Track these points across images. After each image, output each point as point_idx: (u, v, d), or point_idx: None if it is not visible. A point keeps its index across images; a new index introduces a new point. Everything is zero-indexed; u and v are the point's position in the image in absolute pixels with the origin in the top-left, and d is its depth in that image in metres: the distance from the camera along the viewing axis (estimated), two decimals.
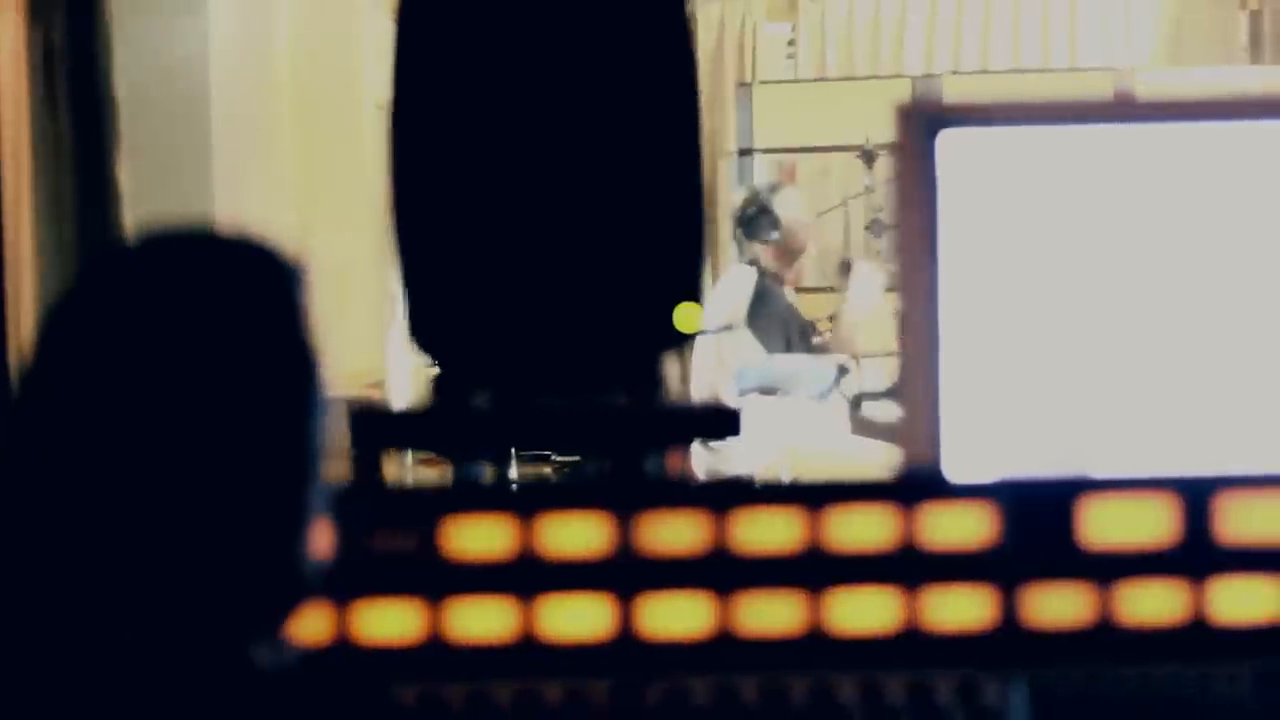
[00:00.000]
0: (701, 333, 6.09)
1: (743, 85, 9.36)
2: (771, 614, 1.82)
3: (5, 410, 1.32)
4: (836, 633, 1.82)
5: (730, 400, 5.82)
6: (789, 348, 6.19)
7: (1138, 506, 1.82)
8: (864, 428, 5.85)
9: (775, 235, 6.31)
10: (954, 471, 1.95)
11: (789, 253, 6.41)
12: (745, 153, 8.94)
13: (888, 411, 5.43)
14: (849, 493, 1.83)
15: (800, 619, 1.82)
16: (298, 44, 7.37)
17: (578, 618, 1.82)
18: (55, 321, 1.32)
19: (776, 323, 6.20)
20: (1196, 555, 1.82)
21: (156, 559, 1.28)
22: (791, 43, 9.94)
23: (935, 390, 1.96)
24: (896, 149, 1.97)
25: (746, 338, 6.14)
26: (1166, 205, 2.02)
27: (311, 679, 1.36)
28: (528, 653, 1.82)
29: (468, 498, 1.84)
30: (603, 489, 1.84)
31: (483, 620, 1.82)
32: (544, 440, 2.13)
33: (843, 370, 6.12)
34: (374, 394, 6.99)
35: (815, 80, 9.56)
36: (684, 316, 1.99)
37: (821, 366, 6.17)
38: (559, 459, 6.19)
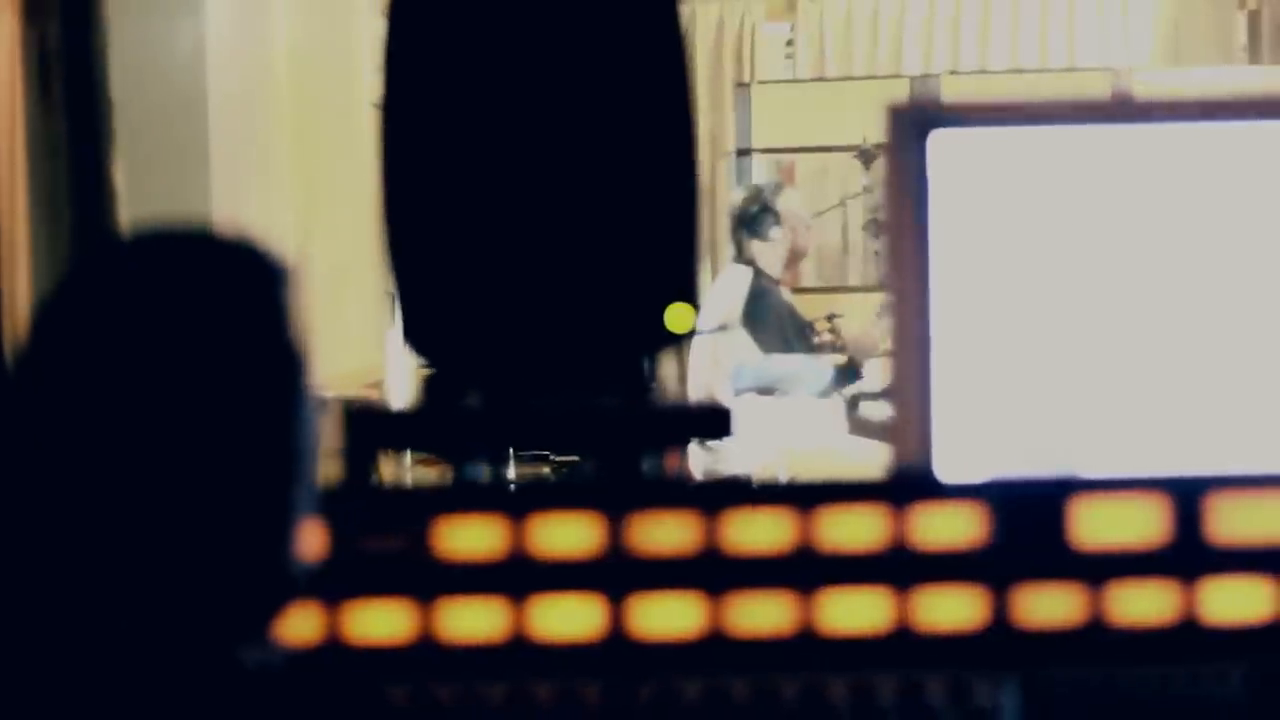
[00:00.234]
0: (694, 333, 6.08)
1: (741, 85, 9.36)
2: (762, 614, 1.82)
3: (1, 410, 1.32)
4: (828, 633, 1.82)
5: (727, 400, 5.82)
6: (786, 347, 6.19)
7: (1128, 507, 1.82)
8: (861, 427, 5.85)
9: (777, 233, 6.30)
10: (945, 471, 1.95)
11: (789, 253, 6.41)
12: (744, 153, 8.94)
13: (885, 411, 5.43)
14: (840, 493, 1.83)
15: (791, 619, 1.82)
16: (295, 44, 7.37)
17: (569, 618, 1.82)
18: (42, 319, 1.32)
19: (773, 322, 6.19)
20: (1187, 555, 1.82)
21: (143, 558, 1.28)
22: (790, 43, 9.94)
23: (926, 390, 1.96)
24: (887, 149, 1.97)
25: (742, 337, 6.13)
26: (1159, 206, 2.02)
27: (299, 679, 1.36)
28: (519, 653, 1.82)
29: (459, 498, 1.84)
30: (594, 489, 1.84)
31: (474, 620, 1.83)
32: (536, 440, 2.13)
33: (854, 373, 6.11)
34: (372, 394, 6.99)
35: (814, 80, 9.56)
36: (676, 317, 1.99)
37: (818, 366, 6.16)
38: (557, 459, 6.19)
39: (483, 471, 2.21)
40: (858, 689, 1.82)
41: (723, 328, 6.10)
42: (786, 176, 8.42)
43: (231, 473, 1.29)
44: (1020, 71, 9.39)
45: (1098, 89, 8.15)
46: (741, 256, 6.33)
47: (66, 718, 1.28)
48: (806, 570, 1.82)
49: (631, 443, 1.97)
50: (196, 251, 1.35)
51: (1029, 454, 2.01)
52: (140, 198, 5.50)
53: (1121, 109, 2.16)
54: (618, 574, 1.82)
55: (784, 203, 6.43)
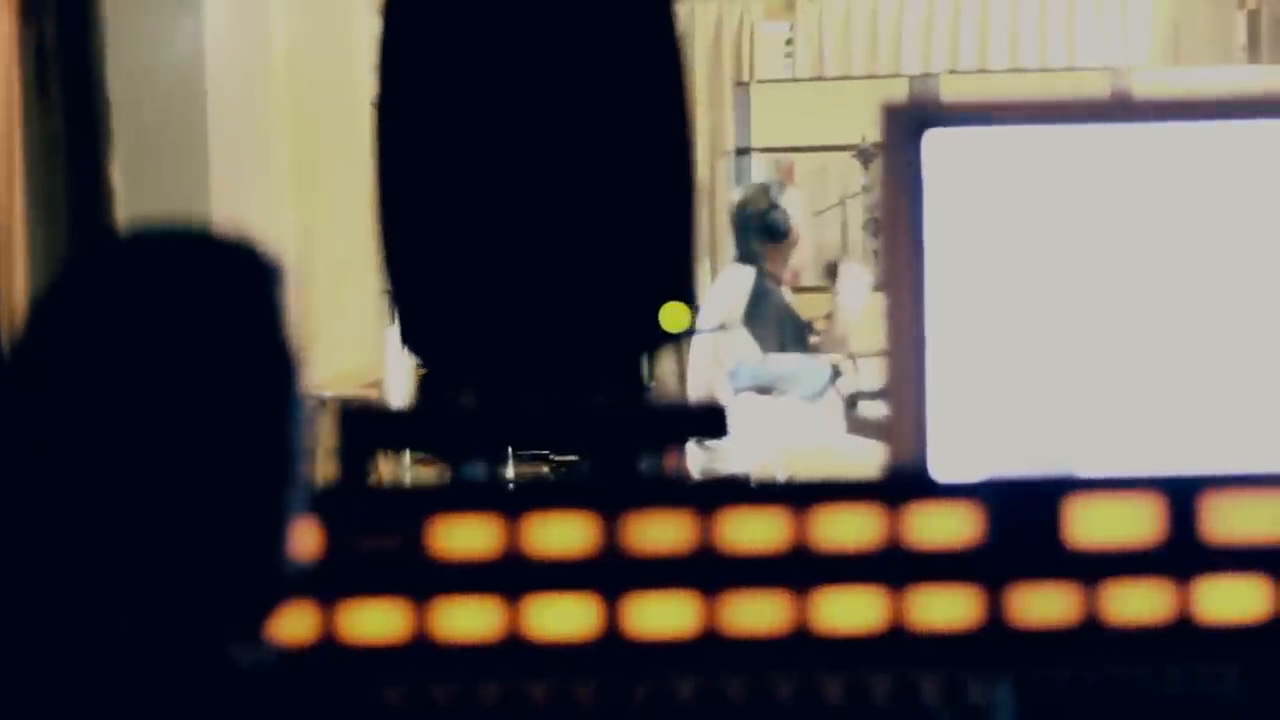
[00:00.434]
0: (689, 332, 6.07)
1: (740, 84, 9.37)
2: (757, 613, 1.82)
3: None
4: (822, 632, 1.82)
5: (726, 399, 5.82)
6: (784, 347, 6.19)
7: (1123, 506, 1.82)
8: (859, 426, 5.86)
9: (792, 235, 6.30)
10: (940, 471, 1.95)
11: (790, 252, 6.41)
12: (743, 152, 8.95)
13: (883, 410, 5.43)
14: (835, 492, 1.83)
15: (786, 618, 1.82)
16: (294, 43, 7.37)
17: (564, 617, 1.82)
18: (35, 318, 1.32)
19: (772, 322, 6.19)
20: (1182, 554, 1.82)
21: (136, 557, 1.28)
22: (789, 42, 9.95)
23: (921, 390, 1.96)
24: (883, 148, 1.97)
25: (742, 336, 6.13)
26: (1156, 205, 2.02)
27: (291, 678, 1.36)
28: (514, 652, 1.82)
29: (454, 497, 1.84)
30: (588, 489, 1.84)
31: (469, 620, 1.82)
32: (532, 440, 2.13)
33: (836, 371, 6.12)
34: (371, 393, 7.00)
35: (813, 79, 9.57)
36: (671, 316, 1.99)
37: (817, 366, 6.17)
38: (556, 458, 6.19)
39: (480, 471, 2.21)
40: (853, 688, 1.81)
41: (723, 327, 6.10)
42: (786, 176, 8.42)
43: (224, 472, 1.29)
44: (1019, 71, 9.40)
45: (1097, 88, 8.15)
46: (745, 256, 6.31)
47: (60, 717, 1.28)
48: (801, 569, 1.82)
49: (627, 442, 1.97)
50: (189, 250, 1.35)
51: (1024, 453, 2.01)
52: (139, 198, 5.50)
53: (1117, 108, 2.16)
54: (613, 573, 1.82)
55: (786, 202, 6.44)
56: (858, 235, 8.57)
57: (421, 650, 1.82)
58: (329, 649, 1.82)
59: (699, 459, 5.75)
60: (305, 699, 1.38)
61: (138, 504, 1.27)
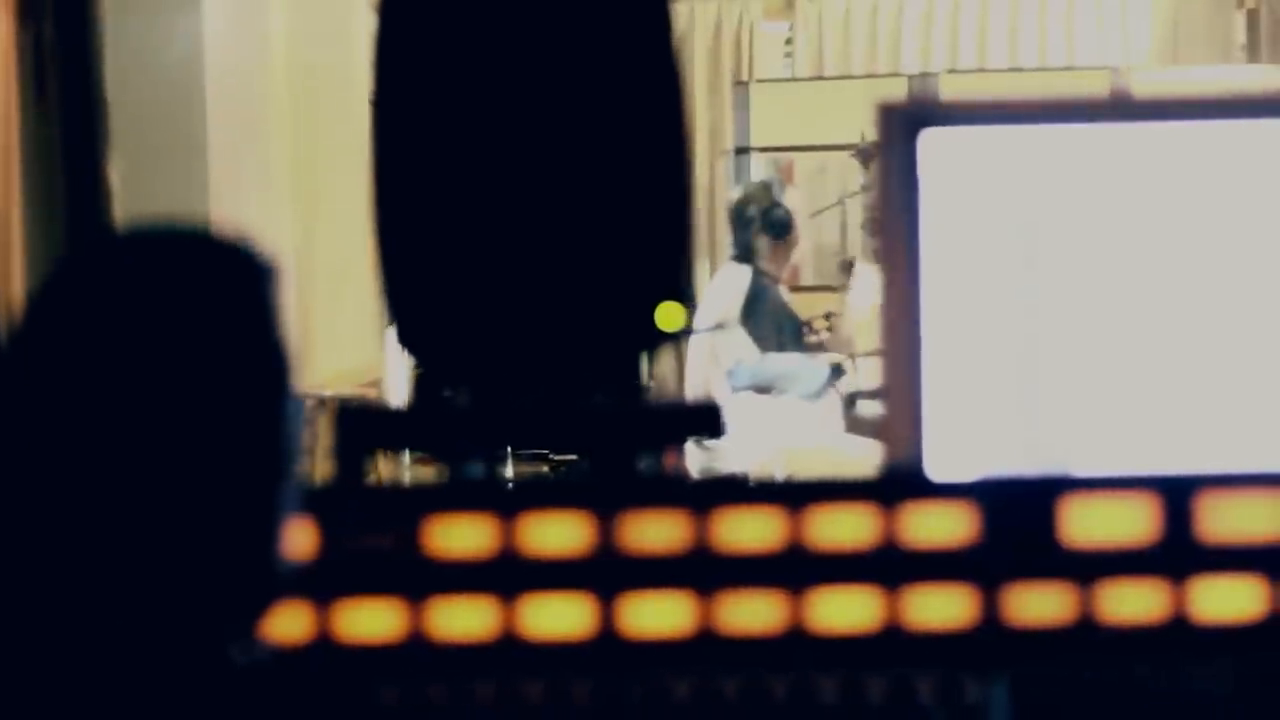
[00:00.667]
0: (684, 332, 6.06)
1: (740, 84, 9.36)
2: (753, 613, 1.82)
3: None
4: (818, 632, 1.82)
5: (724, 398, 5.82)
6: (782, 346, 6.18)
7: (1118, 505, 1.82)
8: (858, 426, 5.86)
9: (793, 233, 6.30)
10: (936, 470, 1.95)
11: (790, 250, 6.40)
12: (742, 151, 8.94)
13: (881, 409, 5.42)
14: (830, 492, 1.83)
15: (781, 618, 1.82)
16: (294, 42, 7.36)
17: (559, 617, 1.82)
18: (27, 318, 1.32)
19: (769, 321, 6.18)
20: (1177, 554, 1.82)
21: (128, 557, 1.28)
22: (789, 41, 9.95)
23: (917, 389, 1.96)
24: (879, 148, 1.97)
25: (740, 336, 6.12)
26: (1152, 204, 2.02)
27: (286, 677, 1.36)
28: (509, 652, 1.82)
29: (449, 497, 1.85)
30: (584, 488, 1.84)
31: (464, 619, 1.83)
32: (527, 439, 2.13)
33: (838, 370, 6.12)
34: (370, 393, 6.99)
35: (812, 79, 9.56)
36: (667, 315, 1.99)
37: (815, 365, 6.16)
38: (556, 458, 6.19)
39: (479, 470, 2.21)
40: (848, 687, 1.82)
41: (720, 326, 6.09)
42: (785, 175, 8.41)
43: (217, 470, 1.29)
44: (1019, 70, 9.39)
45: (1096, 88, 8.14)
46: (742, 255, 6.30)
47: (54, 716, 1.28)
48: (797, 569, 1.82)
49: (622, 441, 1.97)
50: (183, 249, 1.35)
51: (1020, 452, 2.01)
52: (137, 198, 5.50)
53: (1114, 107, 2.16)
54: (608, 573, 1.82)
55: (786, 201, 6.43)
56: (857, 235, 8.57)
57: (417, 650, 1.82)
58: (324, 648, 1.82)
59: (698, 458, 5.74)
60: (300, 698, 1.38)
61: (131, 502, 1.27)
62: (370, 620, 1.83)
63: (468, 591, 1.82)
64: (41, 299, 1.33)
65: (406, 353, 2.09)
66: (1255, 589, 1.82)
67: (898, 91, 8.43)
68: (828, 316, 6.71)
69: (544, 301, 2.02)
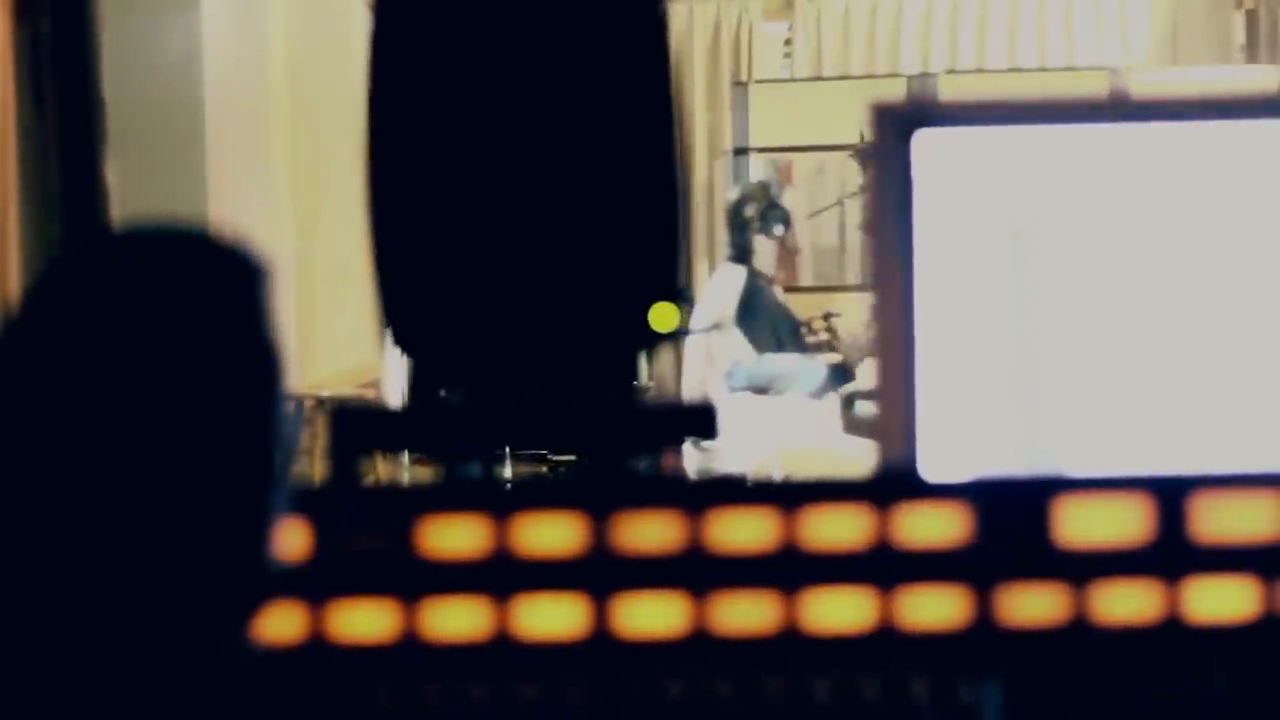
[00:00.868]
0: (680, 332, 6.08)
1: (738, 84, 9.37)
2: (746, 613, 1.82)
3: None
4: (812, 632, 1.82)
5: (721, 399, 5.82)
6: (779, 347, 6.18)
7: (1113, 506, 1.82)
8: (856, 426, 5.86)
9: (783, 230, 6.29)
10: (930, 471, 1.95)
11: (786, 251, 6.40)
12: (741, 151, 8.94)
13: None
14: (824, 492, 1.83)
15: (775, 618, 1.82)
16: (293, 41, 7.36)
17: (553, 617, 1.82)
18: (17, 317, 1.32)
19: (765, 321, 6.18)
20: (1171, 555, 1.82)
21: (118, 556, 1.28)
22: (788, 42, 9.95)
23: (911, 390, 1.96)
24: (872, 148, 1.97)
25: (736, 336, 6.13)
26: (1147, 205, 2.02)
27: (283, 678, 1.36)
28: (503, 652, 1.82)
29: (443, 497, 1.84)
30: (577, 488, 1.84)
31: (458, 620, 1.82)
32: (521, 439, 2.12)
33: (846, 373, 6.12)
34: (369, 393, 7.00)
35: (811, 79, 9.56)
36: (660, 316, 1.99)
37: (813, 366, 6.16)
38: (554, 458, 6.19)
39: (476, 471, 2.21)
40: (842, 688, 1.82)
41: (716, 326, 6.10)
42: (784, 175, 8.42)
43: (206, 470, 1.29)
44: (1018, 71, 9.40)
45: (1095, 88, 8.15)
46: (738, 255, 6.30)
47: (44, 717, 1.28)
48: (790, 569, 1.82)
49: (615, 442, 1.97)
50: (172, 249, 1.35)
51: (1013, 453, 2.01)
52: (134, 199, 5.50)
53: (1109, 107, 2.16)
54: (602, 573, 1.82)
55: (785, 202, 6.43)
56: (855, 235, 8.57)
57: (411, 650, 1.82)
58: (318, 648, 1.82)
59: (695, 459, 5.75)
60: (294, 699, 1.38)
61: (120, 501, 1.27)
62: (364, 621, 1.82)
63: (462, 592, 1.82)
64: (33, 298, 1.33)
65: (401, 352, 2.09)
66: (1249, 590, 1.82)
67: (897, 92, 8.44)
68: (826, 317, 6.72)
69: (538, 302, 2.01)
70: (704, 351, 6.17)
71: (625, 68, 1.99)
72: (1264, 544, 1.82)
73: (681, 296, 2.07)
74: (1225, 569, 1.82)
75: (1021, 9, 9.63)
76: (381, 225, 2.04)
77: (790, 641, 1.82)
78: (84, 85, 5.19)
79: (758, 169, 8.73)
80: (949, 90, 8.61)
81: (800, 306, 6.58)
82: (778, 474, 5.47)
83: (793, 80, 9.63)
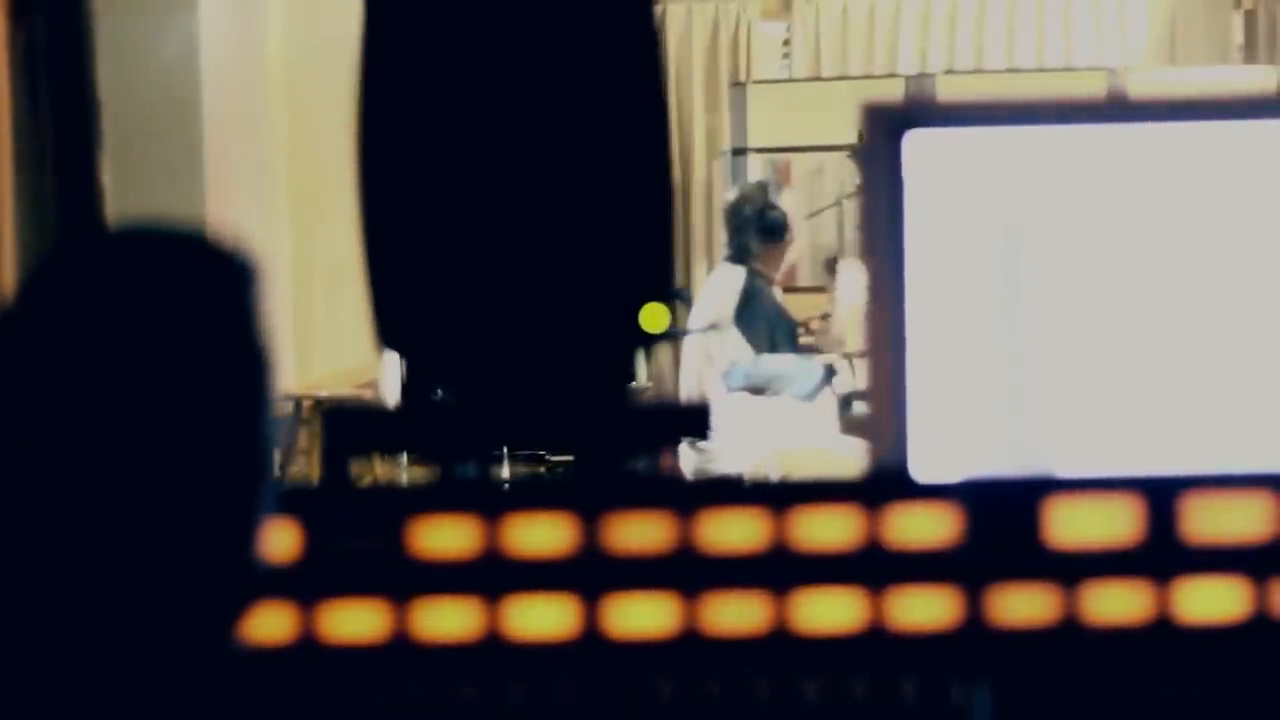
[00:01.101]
0: (677, 332, 6.08)
1: (737, 84, 9.37)
2: (737, 614, 1.82)
3: None
4: (802, 632, 1.82)
5: (717, 399, 5.82)
6: (776, 347, 6.18)
7: (1103, 506, 1.82)
8: (853, 427, 5.86)
9: (789, 235, 6.29)
10: (920, 471, 1.95)
11: (785, 252, 6.39)
12: (739, 152, 8.94)
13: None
14: (814, 493, 1.83)
15: (766, 619, 1.82)
16: (291, 43, 7.36)
17: (544, 618, 1.82)
18: (7, 314, 1.32)
19: (763, 322, 6.18)
20: (1162, 555, 1.82)
21: (104, 556, 1.27)
22: (786, 42, 9.95)
23: (902, 390, 1.96)
24: (864, 149, 1.97)
25: (734, 337, 6.12)
26: (1141, 205, 2.02)
27: (262, 678, 1.36)
28: (494, 653, 1.82)
29: (434, 498, 1.85)
30: (568, 489, 1.84)
31: (449, 620, 1.83)
32: (514, 440, 2.13)
33: (831, 371, 6.12)
34: (366, 394, 7.00)
35: (809, 80, 9.56)
36: (651, 316, 1.99)
37: (810, 366, 6.16)
38: (551, 458, 6.19)
39: (470, 471, 2.21)
40: (832, 688, 1.82)
41: (714, 327, 6.09)
42: (782, 176, 8.42)
43: (194, 471, 1.29)
44: (1016, 71, 9.40)
45: (1093, 89, 8.15)
46: (737, 256, 6.29)
47: (30, 718, 1.28)
48: (781, 570, 1.82)
49: (608, 442, 1.97)
50: (163, 249, 1.35)
51: (1004, 453, 2.01)
52: (130, 199, 5.50)
53: (1101, 108, 2.16)
54: (593, 574, 1.82)
55: (782, 202, 6.43)
56: (854, 236, 8.57)
57: (401, 651, 1.82)
58: (308, 649, 1.82)
59: (691, 460, 5.75)
60: (284, 699, 1.38)
61: (107, 501, 1.27)
62: (354, 621, 1.82)
63: (452, 592, 1.82)
64: (21, 295, 1.33)
65: (393, 353, 2.09)
66: (1239, 590, 1.82)
67: (894, 92, 8.44)
68: (824, 318, 6.72)
69: (530, 302, 2.01)
70: (702, 351, 6.17)
71: (617, 68, 1.99)
72: (1254, 544, 1.82)
73: (677, 296, 2.07)
74: (1215, 569, 1.82)
75: (1019, 9, 9.63)
76: (374, 226, 2.04)
77: (780, 642, 1.82)
78: (80, 86, 5.19)
79: (756, 169, 8.73)
80: (947, 90, 8.61)
81: (797, 307, 6.58)
82: (775, 474, 5.46)
83: (791, 80, 9.63)
